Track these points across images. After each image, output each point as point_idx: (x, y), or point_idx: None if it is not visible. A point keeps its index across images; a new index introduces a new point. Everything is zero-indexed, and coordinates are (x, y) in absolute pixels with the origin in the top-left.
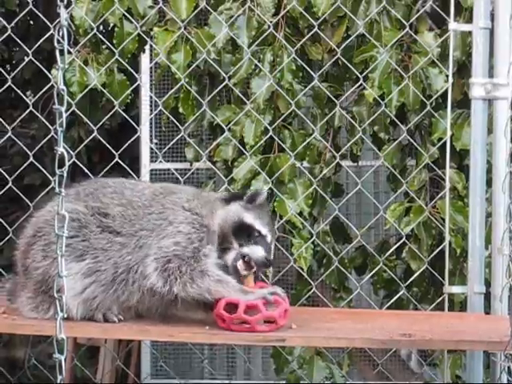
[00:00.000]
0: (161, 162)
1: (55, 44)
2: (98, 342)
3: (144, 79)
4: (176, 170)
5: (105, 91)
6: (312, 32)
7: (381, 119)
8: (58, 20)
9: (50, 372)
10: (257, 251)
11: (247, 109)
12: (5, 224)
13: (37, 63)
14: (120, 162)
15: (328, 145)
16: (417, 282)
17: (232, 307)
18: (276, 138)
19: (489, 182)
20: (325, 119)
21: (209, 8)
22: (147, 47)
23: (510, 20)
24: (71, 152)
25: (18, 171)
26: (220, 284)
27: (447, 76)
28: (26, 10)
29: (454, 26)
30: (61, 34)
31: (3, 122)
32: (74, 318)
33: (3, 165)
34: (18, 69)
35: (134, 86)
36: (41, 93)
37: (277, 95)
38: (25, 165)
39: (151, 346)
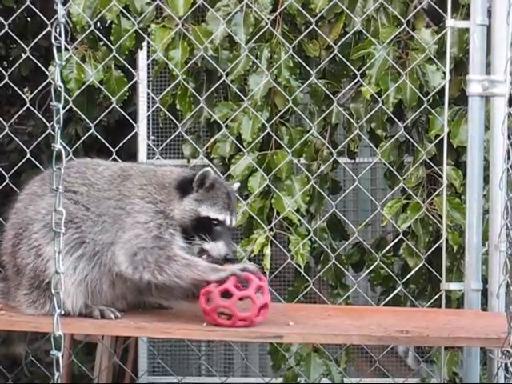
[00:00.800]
0: (158, 158)
1: (52, 41)
2: (95, 339)
3: (141, 76)
4: (173, 166)
5: (102, 88)
6: (309, 29)
7: (378, 116)
8: (55, 17)
9: (48, 368)
10: (216, 248)
11: (244, 105)
12: (1, 220)
13: (34, 60)
14: (117, 158)
15: (325, 141)
16: (414, 279)
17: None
18: (273, 135)
19: (486, 179)
20: (322, 116)
21: (206, 5)
22: (145, 44)
23: (507, 17)
24: (68, 149)
25: (15, 168)
26: (188, 267)
27: (444, 73)
28: (24, 6)
29: (452, 22)
30: (58, 30)
31: (0, 118)
32: (71, 310)
33: (0, 161)
34: (16, 65)
35: (131, 83)
36: (38, 89)
37: (274, 92)
38: (22, 161)
39: (148, 342)
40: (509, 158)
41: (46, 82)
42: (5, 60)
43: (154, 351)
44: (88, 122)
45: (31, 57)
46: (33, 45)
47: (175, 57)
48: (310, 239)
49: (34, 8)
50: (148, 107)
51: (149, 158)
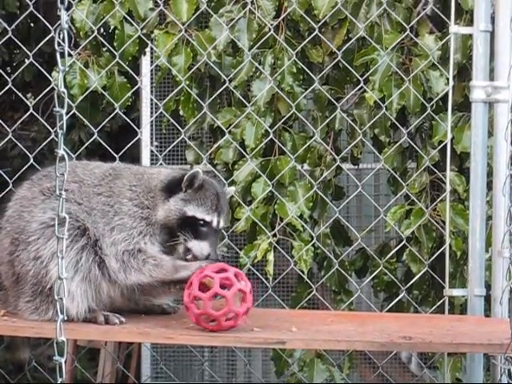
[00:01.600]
0: (161, 164)
1: (56, 46)
2: (98, 344)
3: (144, 82)
4: None
5: (105, 94)
6: (313, 35)
7: (381, 122)
8: (58, 22)
9: (50, 374)
10: (199, 248)
11: (248, 111)
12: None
13: (37, 66)
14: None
15: (328, 147)
16: (417, 285)
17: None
18: (276, 141)
19: (489, 185)
20: (325, 122)
21: (209, 10)
22: (148, 50)
23: (510, 23)
24: (72, 154)
25: (19, 173)
26: (157, 267)
27: (448, 79)
28: (27, 12)
29: (455, 28)
30: (61, 36)
31: (4, 124)
32: (75, 315)
33: (4, 167)
34: (19, 71)
35: (134, 89)
36: (41, 95)
37: (277, 98)
38: (25, 167)
39: (151, 348)
40: None
41: (49, 88)
42: (8, 65)
43: (157, 357)
44: (91, 127)
45: (34, 62)
46: (36, 50)
47: (178, 63)
48: (313, 245)
49: (38, 14)
50: (151, 113)
51: (152, 164)
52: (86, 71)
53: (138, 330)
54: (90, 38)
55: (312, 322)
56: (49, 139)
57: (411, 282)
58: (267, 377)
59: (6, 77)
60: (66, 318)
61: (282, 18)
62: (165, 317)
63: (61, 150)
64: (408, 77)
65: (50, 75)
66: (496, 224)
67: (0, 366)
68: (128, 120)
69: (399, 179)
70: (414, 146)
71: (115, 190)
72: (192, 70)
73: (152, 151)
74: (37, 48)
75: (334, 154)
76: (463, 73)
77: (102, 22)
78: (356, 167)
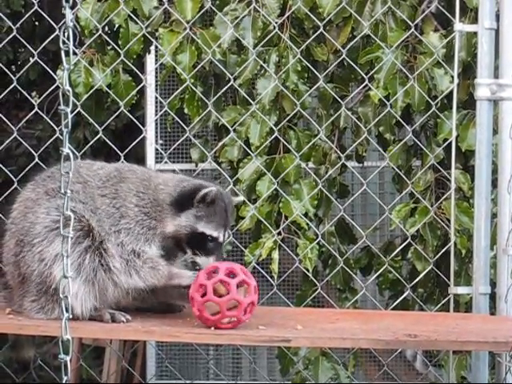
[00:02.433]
0: (166, 162)
1: (61, 45)
2: (103, 343)
3: (149, 80)
4: (181, 170)
5: (110, 92)
6: (317, 33)
7: (386, 120)
8: (63, 21)
9: (56, 373)
10: (207, 263)
11: (252, 109)
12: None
13: (42, 64)
14: (125, 162)
15: (333, 145)
16: (422, 283)
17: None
18: (281, 139)
19: (494, 183)
20: (330, 120)
21: (214, 9)
22: (152, 48)
23: None
24: (76, 153)
25: (24, 172)
26: (153, 270)
27: (452, 77)
28: (32, 10)
29: (460, 26)
30: (66, 34)
31: (9, 122)
32: (80, 314)
33: (9, 165)
34: (24, 70)
35: (139, 87)
36: (46, 94)
37: (282, 96)
38: (30, 165)
39: (156, 346)
40: None
41: (54, 86)
42: (13, 64)
43: (163, 355)
44: (96, 126)
45: (39, 61)
46: (41, 49)
47: (183, 61)
48: (318, 243)
49: (42, 12)
50: (156, 111)
51: (157, 162)
52: (90, 69)
53: (143, 328)
54: (95, 37)
55: (317, 320)
56: (54, 138)
57: (416, 280)
58: (272, 375)
59: (11, 75)
60: (71, 317)
61: (286, 16)
62: (170, 315)
63: (66, 149)
64: (413, 75)
65: (55, 74)
66: (501, 222)
67: (5, 364)
68: (133, 118)
69: (404, 177)
70: (419, 143)
71: (121, 192)
72: (197, 69)
73: (157, 149)
74: (41, 46)
75: (338, 152)
76: (468, 71)
77: (107, 20)
78: (361, 165)
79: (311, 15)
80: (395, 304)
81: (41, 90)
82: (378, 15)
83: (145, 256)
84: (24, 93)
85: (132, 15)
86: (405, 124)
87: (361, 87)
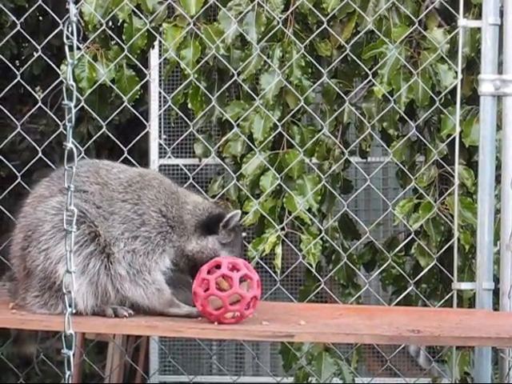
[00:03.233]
0: (169, 157)
1: (64, 40)
2: (106, 338)
3: (153, 75)
4: (185, 165)
5: (114, 87)
6: (321, 28)
7: (390, 115)
8: (67, 16)
9: (59, 367)
10: None
11: (256, 105)
12: (13, 219)
13: (46, 59)
14: (129, 157)
15: (337, 141)
16: (425, 279)
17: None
18: (285, 134)
19: (498, 179)
20: (334, 115)
21: (218, 4)
22: (156, 43)
23: None
24: (80, 148)
25: (27, 166)
26: (158, 292)
27: (456, 72)
28: (36, 5)
29: (464, 22)
30: (70, 29)
31: (12, 117)
32: (83, 310)
33: (12, 160)
34: (28, 64)
35: (143, 82)
36: (50, 88)
37: (286, 91)
38: (33, 160)
39: (159, 341)
40: None
41: (57, 81)
42: (17, 59)
43: (166, 350)
44: (100, 120)
45: (43, 56)
46: (45, 44)
47: (187, 56)
48: (321, 238)
49: (46, 7)
50: (160, 106)
51: (160, 157)
52: (94, 64)
53: (146, 323)
54: (99, 32)
55: (320, 316)
56: (57, 132)
57: (419, 276)
58: (275, 370)
59: (15, 70)
60: (74, 311)
61: (290, 11)
62: None
63: (69, 143)
64: (416, 70)
65: (59, 68)
66: (504, 217)
67: (8, 359)
68: (136, 113)
69: (407, 173)
70: (423, 139)
71: (144, 199)
72: (200, 64)
73: (160, 144)
74: (45, 41)
75: (342, 147)
76: (472, 66)
77: (111, 15)
78: (364, 161)
79: (315, 10)
80: (398, 299)
81: (44, 84)
82: (381, 11)
83: (154, 276)
84: (28, 87)
85: (136, 10)
86: (408, 119)
87: (364, 83)
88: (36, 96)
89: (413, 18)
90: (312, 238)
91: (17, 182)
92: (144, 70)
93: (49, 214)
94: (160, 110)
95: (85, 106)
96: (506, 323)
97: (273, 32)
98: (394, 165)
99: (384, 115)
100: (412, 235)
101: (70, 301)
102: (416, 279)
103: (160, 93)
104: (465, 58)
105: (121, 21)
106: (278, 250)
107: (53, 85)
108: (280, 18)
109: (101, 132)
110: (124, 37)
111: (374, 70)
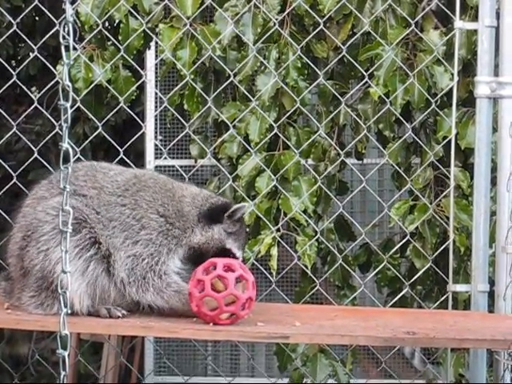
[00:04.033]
0: (165, 158)
1: (61, 40)
2: (101, 338)
3: (149, 76)
4: (181, 166)
5: (110, 87)
6: (317, 30)
7: (386, 117)
8: (63, 16)
9: (54, 368)
10: None
11: (252, 106)
12: (9, 219)
13: (42, 59)
14: (125, 158)
15: (333, 142)
16: (421, 280)
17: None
18: (281, 135)
19: (493, 181)
20: (330, 117)
21: (214, 5)
22: (152, 44)
23: None
24: (76, 148)
25: (23, 167)
26: (178, 294)
27: (452, 74)
28: (32, 5)
29: (460, 24)
30: (66, 30)
31: (8, 117)
32: (79, 310)
33: (8, 160)
34: (24, 65)
35: (139, 83)
36: (46, 89)
37: (282, 92)
38: (29, 160)
39: (154, 342)
40: None
41: (53, 81)
42: (13, 59)
43: (161, 351)
44: (96, 121)
45: (39, 56)
46: (41, 44)
47: (183, 57)
48: (317, 240)
49: (43, 7)
50: (156, 107)
51: (156, 158)
52: (90, 65)
53: (141, 323)
54: (95, 32)
55: (315, 317)
56: (53, 133)
57: (415, 278)
58: (270, 371)
59: (11, 70)
60: (70, 312)
61: (286, 12)
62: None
63: (65, 144)
64: (412, 72)
65: (55, 69)
66: (500, 220)
67: (1, 360)
68: (132, 114)
69: (403, 174)
70: (419, 141)
71: (141, 203)
72: (197, 65)
73: (156, 145)
74: (42, 41)
75: (338, 148)
76: (468, 68)
77: (107, 15)
78: (360, 162)
79: (311, 12)
80: (394, 301)
81: (40, 84)
82: (378, 12)
83: (168, 278)
84: (24, 88)
85: (132, 11)
86: (404, 121)
87: (360, 84)
88: (32, 96)
89: (409, 19)
90: (307, 240)
91: (12, 182)
92: (140, 70)
93: (50, 214)
94: (156, 110)
95: (81, 106)
96: (501, 325)
97: (269, 33)
98: (389, 166)
99: (380, 117)
100: (407, 237)
101: (66, 301)
102: (411, 281)
103: (156, 94)
104: (461, 60)
105: (117, 21)
106: (274, 251)
107: (49, 85)
108: (276, 19)
109: (97, 132)
110: (120, 37)
111: (370, 71)
